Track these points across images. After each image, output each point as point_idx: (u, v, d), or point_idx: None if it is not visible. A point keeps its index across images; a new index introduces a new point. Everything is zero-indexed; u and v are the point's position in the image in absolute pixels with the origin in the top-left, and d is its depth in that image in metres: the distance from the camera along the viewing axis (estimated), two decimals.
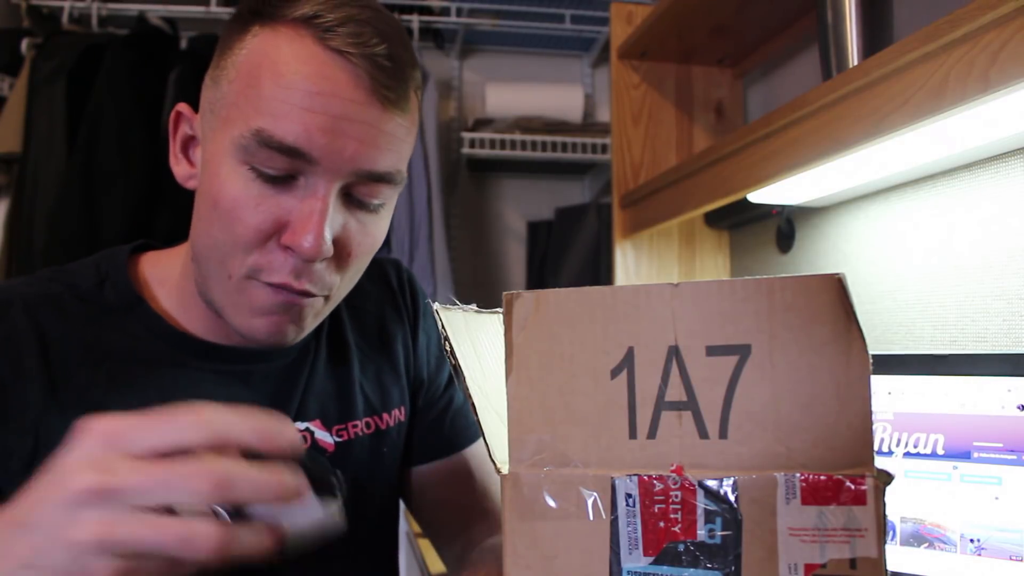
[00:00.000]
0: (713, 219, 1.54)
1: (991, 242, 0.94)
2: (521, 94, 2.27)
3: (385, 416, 0.81)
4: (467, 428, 0.88)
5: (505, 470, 0.45)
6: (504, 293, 0.46)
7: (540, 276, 2.27)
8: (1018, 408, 0.74)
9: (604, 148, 2.18)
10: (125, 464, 0.41)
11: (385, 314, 0.85)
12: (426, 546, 1.64)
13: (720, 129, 1.59)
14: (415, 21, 2.19)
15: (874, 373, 0.40)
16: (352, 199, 0.64)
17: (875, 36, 0.94)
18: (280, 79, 0.58)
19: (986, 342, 0.95)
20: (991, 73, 0.67)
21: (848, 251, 1.20)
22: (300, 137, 0.58)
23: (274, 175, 0.60)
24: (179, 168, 0.69)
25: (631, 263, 1.54)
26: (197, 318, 0.71)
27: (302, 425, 0.75)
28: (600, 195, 2.38)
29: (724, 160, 1.11)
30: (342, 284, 0.68)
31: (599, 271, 2.03)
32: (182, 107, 0.69)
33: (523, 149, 2.19)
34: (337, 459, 0.77)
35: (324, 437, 0.76)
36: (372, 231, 0.67)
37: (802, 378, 0.40)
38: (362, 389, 0.80)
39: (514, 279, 2.45)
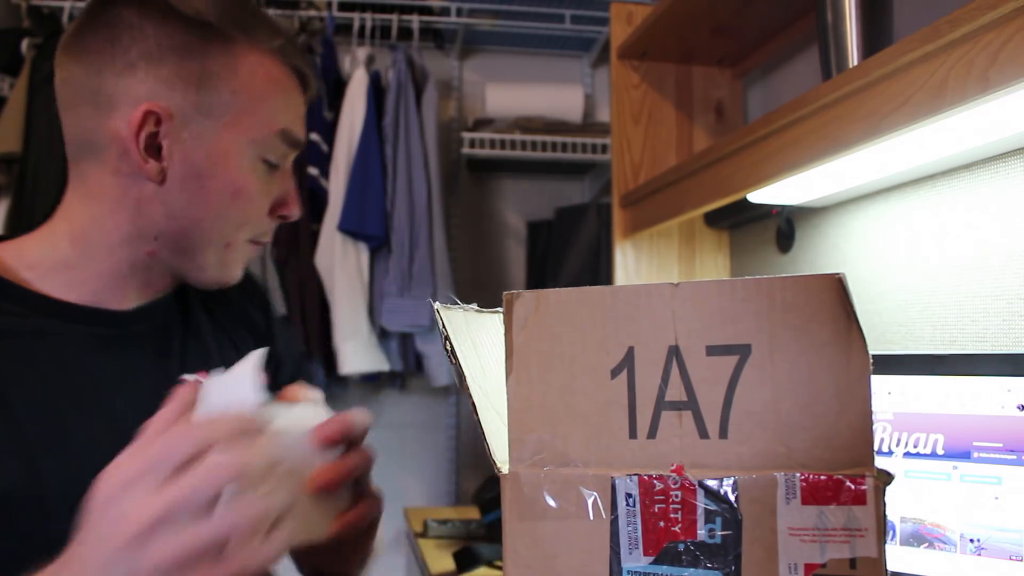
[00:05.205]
0: (713, 219, 1.54)
1: (991, 242, 0.94)
2: (521, 94, 2.27)
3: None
4: None
5: (505, 470, 0.45)
6: (504, 293, 0.46)
7: (540, 276, 2.27)
8: (1018, 408, 0.74)
9: (604, 148, 2.18)
10: (158, 495, 0.48)
11: (244, 304, 0.90)
12: (426, 546, 1.65)
13: (720, 129, 1.59)
14: (415, 21, 2.19)
15: (874, 373, 0.40)
16: None
17: (875, 36, 0.94)
18: (277, 96, 0.75)
19: (986, 342, 0.95)
20: (991, 73, 0.67)
21: (848, 251, 1.20)
22: (302, 131, 0.78)
23: (275, 164, 0.76)
24: (148, 166, 0.69)
25: (631, 263, 1.54)
26: (86, 292, 0.73)
27: (191, 377, 0.76)
28: (600, 195, 2.38)
29: (724, 160, 1.11)
30: None
31: (599, 271, 2.03)
32: (158, 108, 0.68)
33: (523, 149, 2.18)
34: None
35: None
36: None
37: (802, 378, 0.40)
38: (234, 345, 0.85)
39: (514, 279, 2.45)
